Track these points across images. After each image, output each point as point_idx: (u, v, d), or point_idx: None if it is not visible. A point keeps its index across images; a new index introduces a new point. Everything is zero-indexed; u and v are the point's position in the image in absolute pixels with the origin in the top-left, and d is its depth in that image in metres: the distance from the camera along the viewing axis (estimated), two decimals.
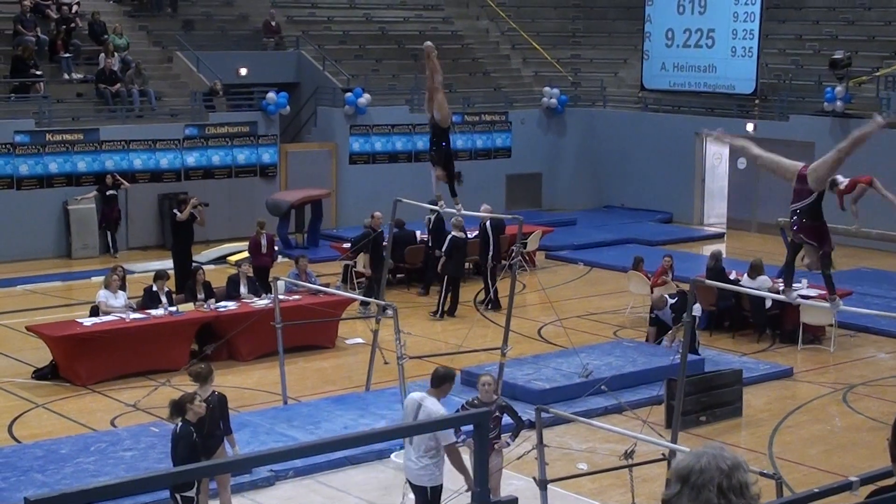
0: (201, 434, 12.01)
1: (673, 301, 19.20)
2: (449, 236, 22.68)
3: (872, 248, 27.35)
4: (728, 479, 3.61)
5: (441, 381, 11.77)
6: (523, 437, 12.89)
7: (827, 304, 12.79)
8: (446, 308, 22.42)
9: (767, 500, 9.09)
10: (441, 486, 11.62)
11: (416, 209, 19.86)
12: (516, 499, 6.28)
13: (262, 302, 19.51)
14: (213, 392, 12.60)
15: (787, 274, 12.34)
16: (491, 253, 22.95)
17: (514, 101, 34.86)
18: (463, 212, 16.99)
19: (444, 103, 15.24)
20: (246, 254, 24.65)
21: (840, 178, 22.45)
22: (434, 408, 11.43)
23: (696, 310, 16.69)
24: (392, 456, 12.72)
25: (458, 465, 11.39)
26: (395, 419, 15.38)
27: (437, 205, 16.58)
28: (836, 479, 7.19)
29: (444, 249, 22.64)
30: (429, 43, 15.67)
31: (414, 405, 11.58)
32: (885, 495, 4.71)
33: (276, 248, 23.69)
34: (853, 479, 5.92)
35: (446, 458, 11.45)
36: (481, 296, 22.90)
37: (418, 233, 25.21)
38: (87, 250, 27.49)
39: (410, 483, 11.65)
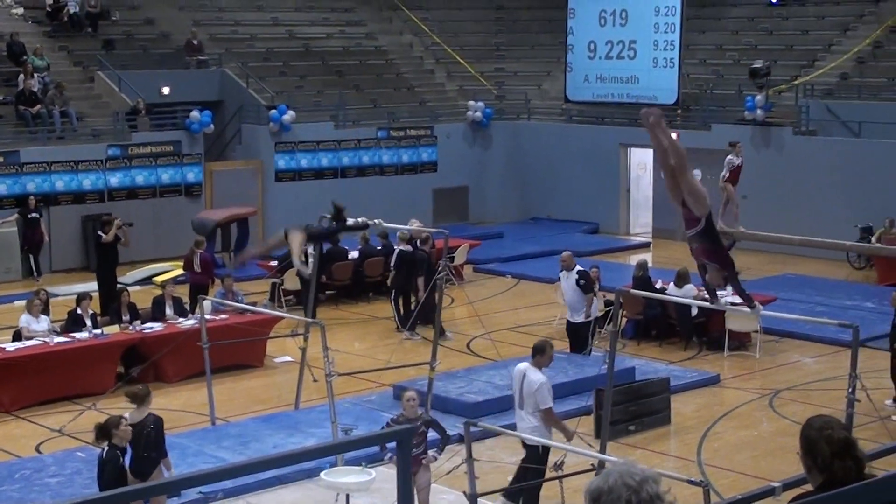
0: (138, 456, 11.95)
1: (577, 277, 19.51)
2: (396, 250, 22.68)
3: (796, 253, 27.70)
4: (637, 493, 3.63)
5: (536, 352, 13.26)
6: (452, 451, 12.90)
7: (748, 310, 12.98)
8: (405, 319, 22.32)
9: None
10: (549, 447, 13.03)
11: None
12: None
13: (188, 322, 19.36)
14: (150, 414, 12.51)
15: (709, 290, 12.46)
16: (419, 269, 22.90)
17: (439, 115, 34.91)
18: (385, 225, 17.11)
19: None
20: (171, 274, 24.55)
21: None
22: (533, 376, 13.07)
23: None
24: (322, 474, 12.66)
25: (555, 425, 13.13)
26: (325, 437, 15.33)
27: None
28: (763, 484, 7.25)
29: (392, 263, 22.64)
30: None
31: (520, 375, 13.21)
32: (806, 499, 4.77)
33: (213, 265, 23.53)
34: (775, 484, 5.99)
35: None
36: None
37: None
38: (9, 274, 27.13)
39: (523, 443, 13.25)
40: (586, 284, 19.58)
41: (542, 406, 12.99)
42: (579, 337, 19.69)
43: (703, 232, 11.25)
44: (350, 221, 16.93)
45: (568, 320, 19.91)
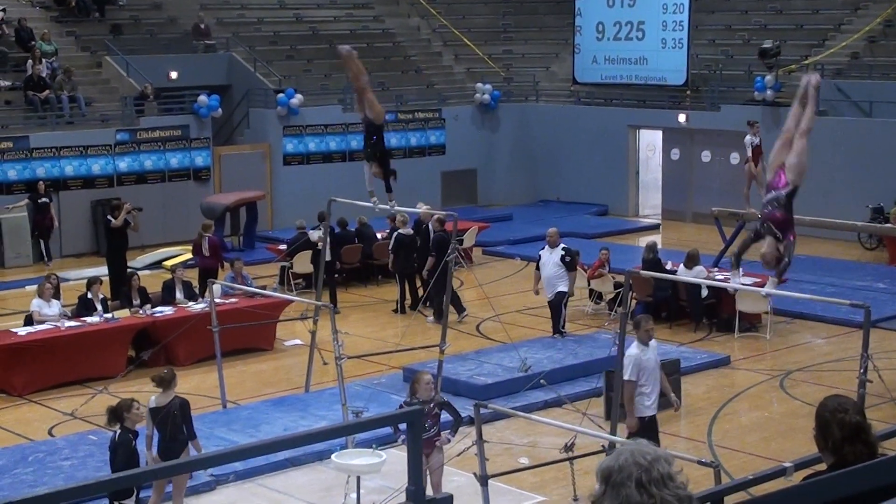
0: (165, 438, 12.01)
1: (563, 253, 19.85)
2: (395, 234, 22.70)
3: (806, 234, 27.54)
4: (647, 472, 3.61)
5: (635, 326, 13.63)
6: (463, 433, 12.91)
7: (762, 291, 13.00)
8: (408, 303, 22.49)
9: (706, 487, 9.15)
10: (647, 417, 13.38)
11: (353, 208, 19.83)
12: (451, 496, 6.27)
13: (198, 306, 19.38)
14: (175, 397, 12.57)
15: (737, 259, 12.44)
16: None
17: (447, 97, 34.87)
18: (398, 208, 17.02)
19: (375, 101, 15.46)
20: (181, 258, 24.57)
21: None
22: (628, 350, 13.51)
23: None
24: (332, 457, 12.68)
25: (626, 399, 13.34)
26: (335, 419, 15.35)
27: (371, 201, 16.56)
28: (774, 465, 7.25)
29: (390, 248, 22.71)
30: (344, 47, 15.88)
31: None
32: (816, 478, 4.77)
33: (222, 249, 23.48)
34: (787, 464, 5.99)
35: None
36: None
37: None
38: (20, 259, 27.18)
39: None
40: (571, 261, 19.85)
41: (622, 378, 13.38)
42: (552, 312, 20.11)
43: (788, 196, 11.26)
44: None
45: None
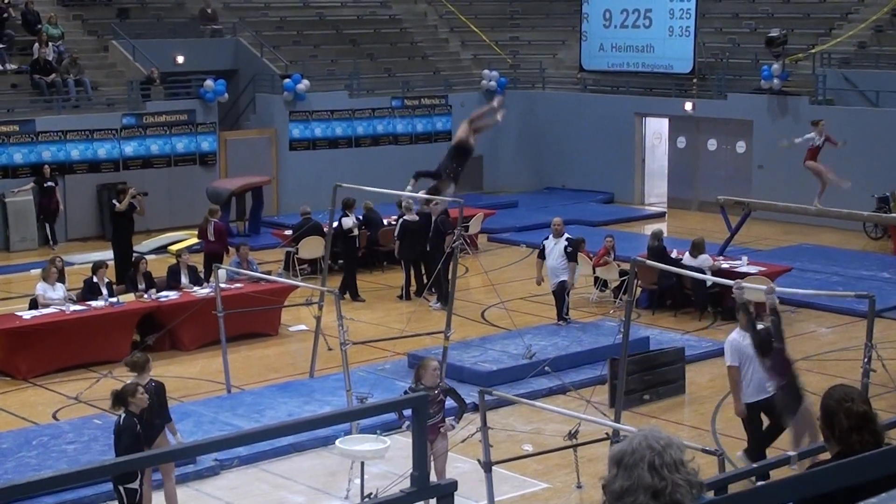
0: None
1: (566, 244, 19.81)
2: (400, 220, 22.67)
3: (812, 223, 27.60)
4: (660, 456, 3.63)
5: (737, 312, 13.86)
6: (468, 420, 12.93)
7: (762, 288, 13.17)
8: (413, 290, 22.47)
9: (710, 476, 9.14)
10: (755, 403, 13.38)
11: (358, 194, 19.83)
12: (455, 482, 6.26)
13: (203, 291, 19.39)
14: (151, 381, 12.55)
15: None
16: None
17: (453, 84, 34.81)
18: (404, 194, 17.02)
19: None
20: (186, 243, 24.60)
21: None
22: (729, 335, 13.76)
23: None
24: (337, 442, 12.69)
25: (731, 384, 13.57)
26: (339, 405, 15.36)
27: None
28: (777, 454, 7.25)
29: (396, 234, 22.72)
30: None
31: None
32: (821, 467, 4.77)
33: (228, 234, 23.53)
34: (791, 453, 5.99)
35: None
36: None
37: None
38: (25, 243, 27.22)
39: None
40: (572, 252, 19.81)
41: (726, 363, 13.56)
42: (556, 300, 20.06)
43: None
44: None
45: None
